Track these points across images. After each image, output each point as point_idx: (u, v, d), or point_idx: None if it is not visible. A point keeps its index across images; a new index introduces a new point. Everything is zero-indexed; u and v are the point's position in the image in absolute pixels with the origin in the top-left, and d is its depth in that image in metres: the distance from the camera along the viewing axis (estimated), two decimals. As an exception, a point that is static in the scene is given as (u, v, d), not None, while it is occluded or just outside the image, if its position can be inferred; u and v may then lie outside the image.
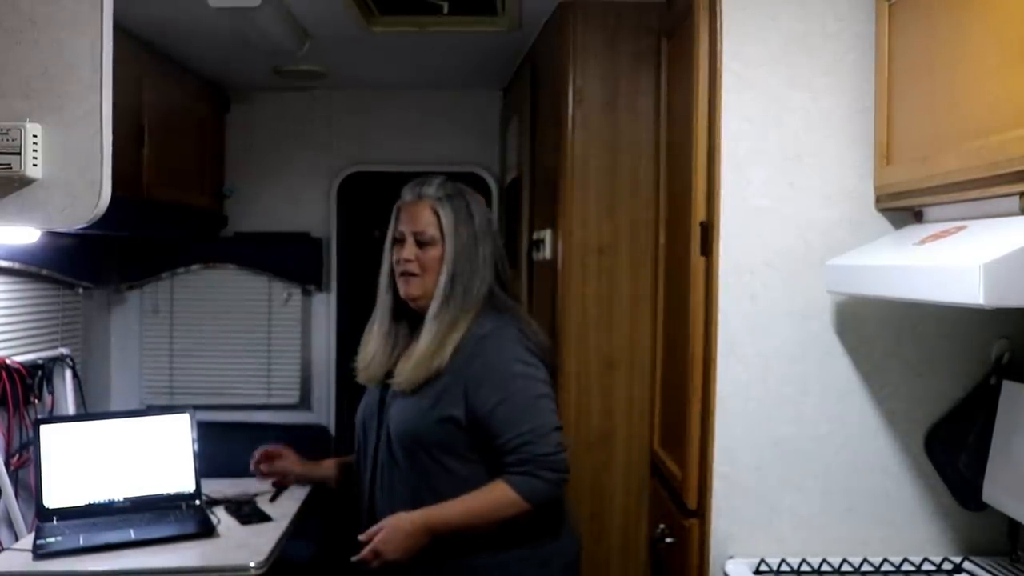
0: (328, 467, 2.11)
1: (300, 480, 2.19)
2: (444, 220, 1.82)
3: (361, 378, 1.93)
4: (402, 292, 1.85)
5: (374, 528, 1.70)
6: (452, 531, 1.71)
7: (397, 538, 1.68)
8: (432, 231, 1.83)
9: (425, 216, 1.84)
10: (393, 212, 1.91)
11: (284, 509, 2.71)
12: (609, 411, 2.43)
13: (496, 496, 1.70)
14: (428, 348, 1.78)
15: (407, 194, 1.89)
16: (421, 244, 1.83)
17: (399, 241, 1.86)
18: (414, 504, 1.73)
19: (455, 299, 1.80)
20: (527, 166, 3.01)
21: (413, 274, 1.83)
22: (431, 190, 1.86)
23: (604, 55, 2.42)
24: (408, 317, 1.90)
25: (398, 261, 1.85)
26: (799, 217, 1.87)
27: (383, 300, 1.92)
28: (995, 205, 1.46)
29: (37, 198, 1.43)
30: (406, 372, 1.80)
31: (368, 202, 4.43)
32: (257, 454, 2.06)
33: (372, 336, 1.93)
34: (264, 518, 2.62)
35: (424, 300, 1.83)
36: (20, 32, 1.42)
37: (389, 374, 1.87)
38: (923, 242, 1.58)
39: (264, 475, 2.08)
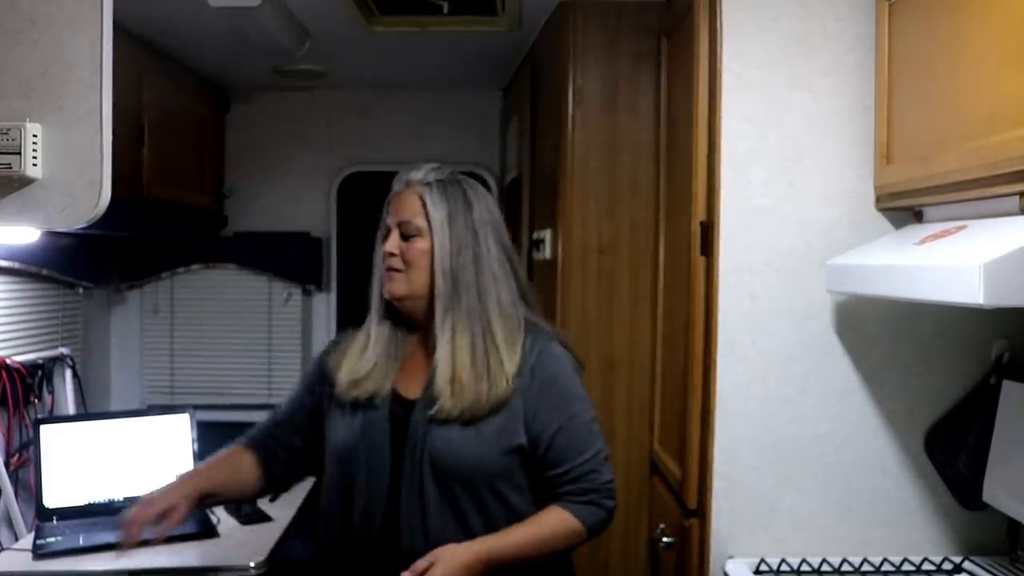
0: (207, 480, 1.70)
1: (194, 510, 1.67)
2: (431, 207, 1.58)
3: (352, 393, 1.61)
4: (385, 291, 1.61)
5: (423, 562, 1.42)
6: (512, 562, 1.50)
7: (455, 572, 1.43)
8: (418, 221, 1.58)
9: (411, 204, 1.60)
10: (384, 206, 1.69)
11: (284, 509, 2.71)
12: (609, 411, 2.43)
13: (559, 525, 1.54)
14: (462, 368, 1.54)
15: (395, 183, 1.66)
16: (406, 236, 1.59)
17: (385, 235, 1.64)
18: (464, 540, 1.49)
19: (464, 305, 1.56)
20: (527, 166, 3.01)
21: (396, 269, 1.59)
22: (419, 175, 1.62)
23: (604, 55, 2.42)
24: (407, 322, 1.66)
25: (384, 255, 1.62)
26: (799, 217, 1.87)
27: (377, 303, 1.67)
28: (995, 205, 1.46)
29: (37, 198, 1.43)
30: (460, 399, 1.53)
31: (368, 202, 4.44)
32: (131, 523, 1.66)
33: (366, 343, 1.65)
34: (264, 518, 2.62)
35: (411, 301, 1.60)
36: (20, 32, 1.42)
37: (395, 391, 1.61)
38: (923, 242, 1.58)
39: (160, 536, 1.66)
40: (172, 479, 1.69)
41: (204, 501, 1.69)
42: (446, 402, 1.53)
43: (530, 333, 1.61)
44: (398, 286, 1.59)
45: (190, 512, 1.63)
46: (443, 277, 1.57)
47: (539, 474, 1.57)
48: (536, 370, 1.57)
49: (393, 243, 1.59)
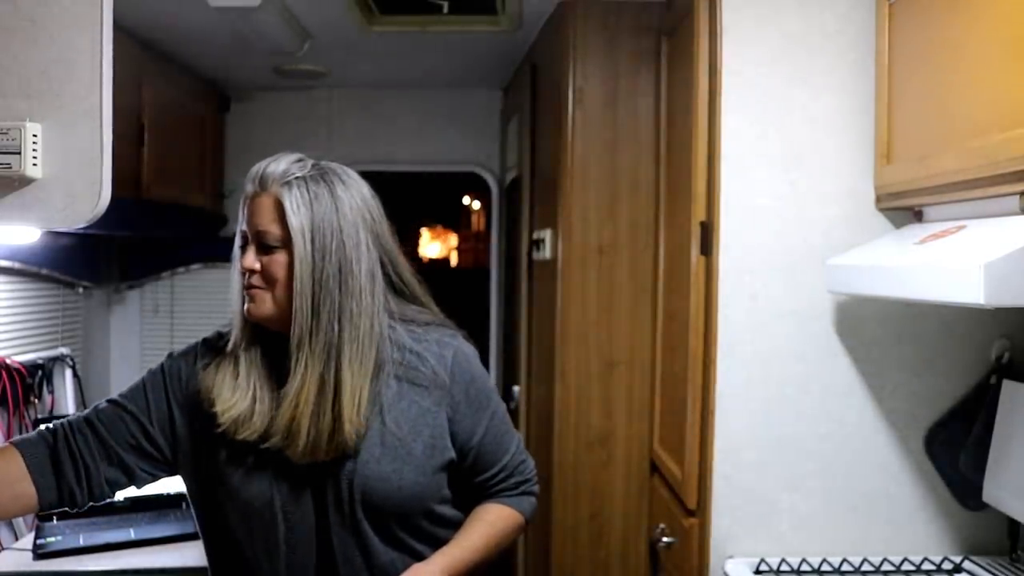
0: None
1: None
2: (291, 214, 1.33)
3: (240, 434, 1.35)
4: (245, 312, 1.39)
5: None
6: (475, 567, 1.44)
7: None
8: (276, 229, 1.34)
9: (268, 211, 1.35)
10: (240, 209, 1.42)
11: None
12: (609, 411, 2.43)
13: (504, 521, 1.49)
14: (313, 409, 1.32)
15: (249, 183, 1.38)
16: (265, 248, 1.36)
17: (242, 246, 1.41)
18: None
19: (321, 333, 1.33)
20: (527, 166, 3.01)
21: (257, 287, 1.37)
22: (273, 174, 1.35)
23: (604, 55, 2.42)
24: (284, 340, 1.38)
25: (242, 273, 1.39)
26: (799, 217, 1.87)
27: (240, 324, 1.41)
28: (995, 205, 1.46)
29: (37, 198, 1.43)
30: (295, 442, 1.33)
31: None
32: None
33: (236, 371, 1.39)
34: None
35: (279, 321, 1.37)
36: (20, 32, 1.42)
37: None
38: (923, 242, 1.58)
39: None
40: None
41: None
42: (283, 443, 1.33)
43: (433, 333, 1.46)
44: (261, 307, 1.37)
45: None
46: (301, 298, 1.33)
47: (467, 480, 1.49)
48: (454, 375, 1.43)
49: (251, 258, 1.36)
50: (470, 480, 1.49)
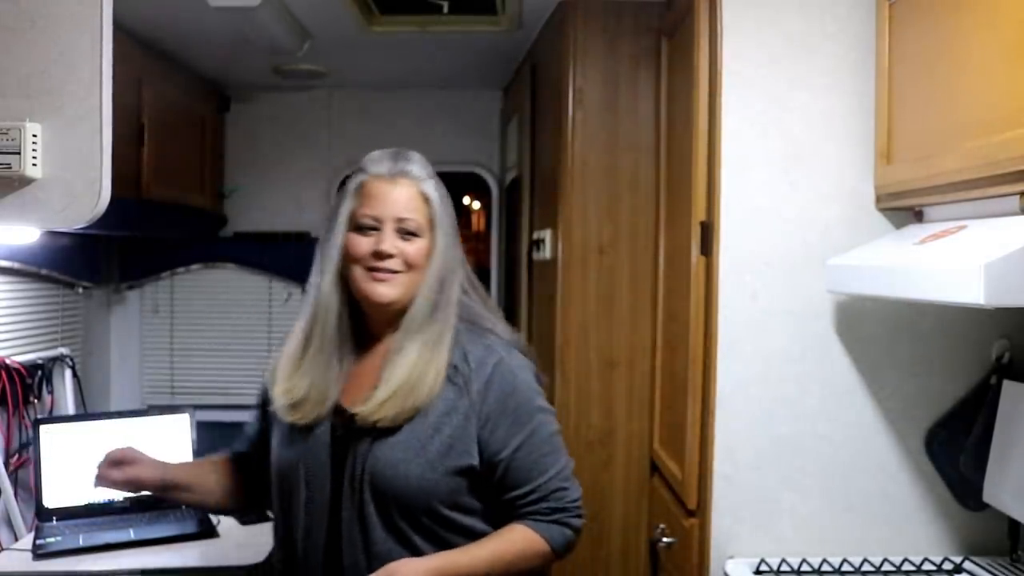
0: (189, 473, 1.63)
1: (156, 490, 1.58)
2: (435, 207, 1.46)
3: (290, 418, 1.45)
4: (372, 293, 1.43)
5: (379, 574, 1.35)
6: None
7: None
8: (419, 219, 1.45)
9: (410, 199, 1.45)
10: (350, 189, 1.48)
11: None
12: (609, 411, 2.43)
13: (523, 543, 1.43)
14: (415, 372, 1.41)
15: (377, 167, 1.47)
16: (405, 234, 1.44)
17: (367, 228, 1.44)
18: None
19: (441, 309, 1.45)
20: (527, 166, 3.01)
21: (393, 271, 1.43)
22: (415, 168, 1.47)
23: (604, 55, 2.42)
24: (363, 326, 1.49)
25: (373, 254, 1.43)
26: (799, 217, 1.87)
27: (327, 308, 1.47)
28: (995, 205, 1.46)
29: (37, 198, 1.43)
30: (385, 406, 1.40)
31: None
32: (103, 462, 1.53)
33: (302, 355, 1.48)
34: (264, 518, 2.62)
35: (397, 306, 1.45)
36: (20, 32, 1.42)
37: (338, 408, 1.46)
38: (923, 242, 1.58)
39: (113, 484, 1.53)
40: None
41: (167, 491, 1.58)
42: (370, 409, 1.40)
43: (483, 340, 1.47)
44: (395, 289, 1.43)
45: (148, 480, 1.54)
46: (437, 282, 1.45)
47: (497, 496, 1.45)
48: (492, 384, 1.43)
49: (391, 242, 1.42)
50: (500, 495, 1.45)
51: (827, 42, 1.86)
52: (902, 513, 1.87)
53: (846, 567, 1.82)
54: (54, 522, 2.46)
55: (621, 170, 2.42)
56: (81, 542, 2.33)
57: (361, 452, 1.42)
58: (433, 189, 1.48)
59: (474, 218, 6.64)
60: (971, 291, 1.27)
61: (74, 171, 1.42)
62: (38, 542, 2.31)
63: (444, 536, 1.43)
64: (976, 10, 1.47)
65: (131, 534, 2.39)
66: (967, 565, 1.81)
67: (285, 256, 3.71)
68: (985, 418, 1.79)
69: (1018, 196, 1.38)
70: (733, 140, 1.87)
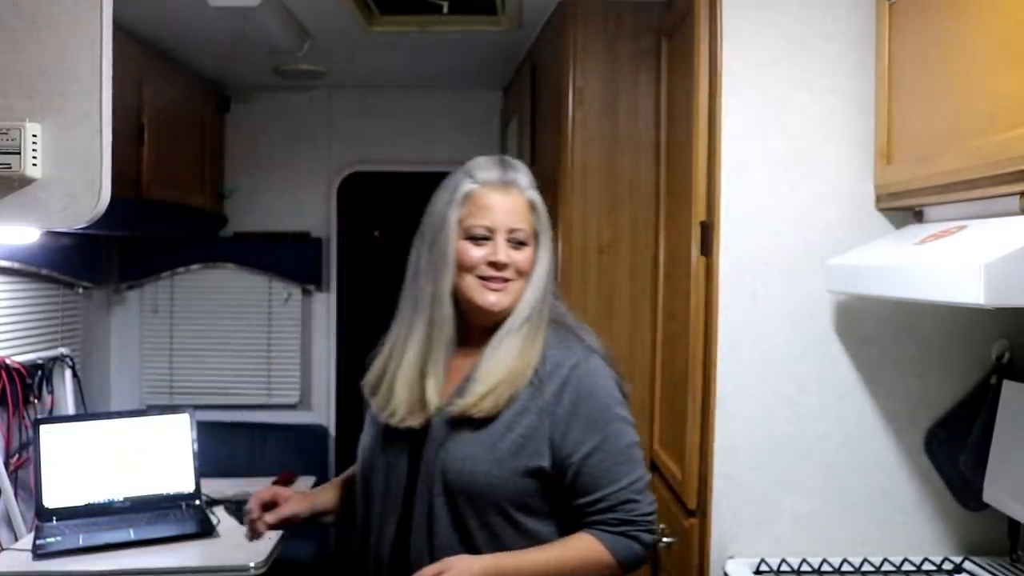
0: (331, 496, 1.67)
1: (306, 520, 1.62)
2: (540, 215, 1.50)
3: (406, 422, 1.46)
4: (485, 303, 1.45)
5: (432, 569, 1.34)
6: None
7: None
8: (529, 228, 1.48)
9: (521, 210, 1.48)
10: (456, 196, 1.48)
11: (284, 509, 2.71)
12: (609, 411, 2.43)
13: (586, 553, 1.41)
14: (515, 367, 1.43)
15: (486, 174, 1.48)
16: (516, 243, 1.47)
17: (479, 237, 1.46)
18: None
19: (539, 310, 1.48)
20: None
21: (506, 279, 1.46)
22: (522, 177, 1.50)
23: (604, 55, 2.42)
24: (458, 330, 1.51)
25: (490, 264, 1.45)
26: (799, 217, 1.87)
27: (446, 315, 1.47)
28: (995, 205, 1.46)
29: (37, 198, 1.43)
30: (485, 399, 1.41)
31: (368, 202, 4.44)
32: (254, 509, 1.56)
33: (398, 364, 1.49)
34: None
35: (507, 313, 1.47)
36: (21, 32, 1.42)
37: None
38: (923, 242, 1.58)
39: (270, 528, 1.57)
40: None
41: (315, 519, 1.62)
42: (470, 402, 1.42)
43: (563, 343, 1.48)
44: (506, 298, 1.46)
45: (302, 514, 1.58)
46: (540, 290, 1.49)
47: (567, 501, 1.44)
48: (567, 386, 1.43)
49: (505, 251, 1.45)
50: (569, 502, 1.44)
51: (827, 42, 1.86)
52: (902, 513, 1.87)
53: (846, 567, 1.82)
54: (54, 522, 2.46)
55: (621, 170, 2.42)
56: (81, 542, 2.33)
57: (436, 445, 1.44)
58: (538, 197, 1.51)
59: (474, 218, 6.65)
60: (971, 291, 1.27)
61: (74, 171, 1.42)
62: (38, 542, 2.31)
63: (509, 539, 1.42)
64: (976, 10, 1.47)
65: (131, 534, 2.39)
66: (967, 565, 1.81)
67: (285, 256, 3.72)
68: (985, 418, 1.79)
69: (1018, 196, 1.38)
70: (733, 140, 1.87)
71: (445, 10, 2.62)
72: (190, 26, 2.73)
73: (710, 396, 1.88)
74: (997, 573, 1.77)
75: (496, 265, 1.45)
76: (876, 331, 1.86)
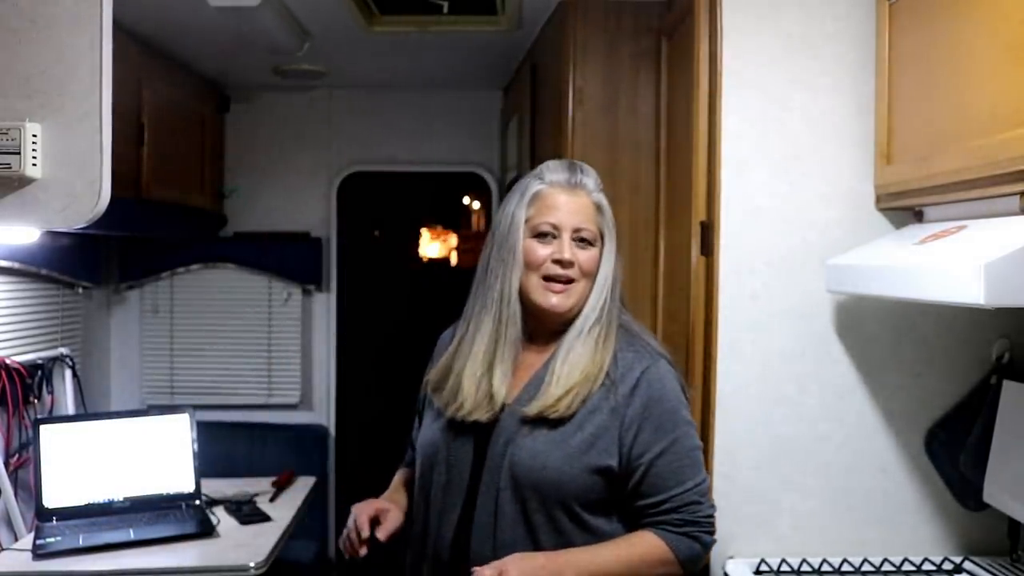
0: (405, 498, 1.66)
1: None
2: (606, 217, 1.52)
3: (473, 416, 1.47)
4: (547, 304, 1.48)
5: (490, 569, 1.33)
6: None
7: None
8: (595, 229, 1.50)
9: (587, 210, 1.50)
10: (525, 196, 1.51)
11: (283, 509, 2.71)
12: (609, 411, 2.43)
13: (649, 550, 1.42)
14: (589, 370, 1.45)
15: (554, 175, 1.52)
16: (581, 243, 1.49)
17: (546, 235, 1.48)
18: None
19: (607, 312, 1.50)
20: (527, 166, 3.00)
21: (572, 280, 1.48)
22: (590, 181, 1.52)
23: (604, 55, 2.42)
24: (526, 331, 1.53)
25: (556, 262, 1.47)
26: (799, 217, 1.87)
27: (515, 312, 1.50)
28: (995, 205, 1.46)
29: (37, 198, 1.43)
30: (561, 401, 1.43)
31: (368, 202, 4.44)
32: (364, 527, 1.51)
33: (495, 360, 1.50)
34: (264, 518, 2.62)
35: (572, 314, 1.50)
36: (21, 32, 1.42)
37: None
38: (923, 242, 1.58)
39: (380, 543, 1.54)
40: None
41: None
42: (546, 402, 1.44)
43: (632, 347, 1.50)
44: (570, 298, 1.49)
45: (402, 522, 1.56)
46: (605, 289, 1.50)
47: (631, 502, 1.45)
48: (639, 389, 1.45)
49: (570, 251, 1.48)
50: (635, 501, 1.45)
51: (827, 42, 1.86)
52: (902, 513, 1.87)
53: (846, 567, 1.82)
54: (54, 522, 2.46)
55: (621, 170, 2.42)
56: (81, 542, 2.33)
57: (504, 440, 1.45)
58: (604, 201, 1.53)
59: (474, 218, 6.64)
60: (971, 291, 1.27)
61: (74, 171, 1.42)
62: (38, 542, 2.31)
63: (573, 535, 1.43)
64: (976, 10, 1.47)
65: (131, 534, 2.39)
66: (967, 565, 1.81)
67: (285, 256, 3.72)
68: (985, 418, 1.79)
69: (1018, 196, 1.38)
70: (733, 140, 1.87)
71: (445, 10, 2.62)
72: (190, 26, 2.73)
73: (710, 396, 1.88)
74: (997, 573, 1.77)
75: (561, 263, 1.47)
76: (876, 331, 1.86)
